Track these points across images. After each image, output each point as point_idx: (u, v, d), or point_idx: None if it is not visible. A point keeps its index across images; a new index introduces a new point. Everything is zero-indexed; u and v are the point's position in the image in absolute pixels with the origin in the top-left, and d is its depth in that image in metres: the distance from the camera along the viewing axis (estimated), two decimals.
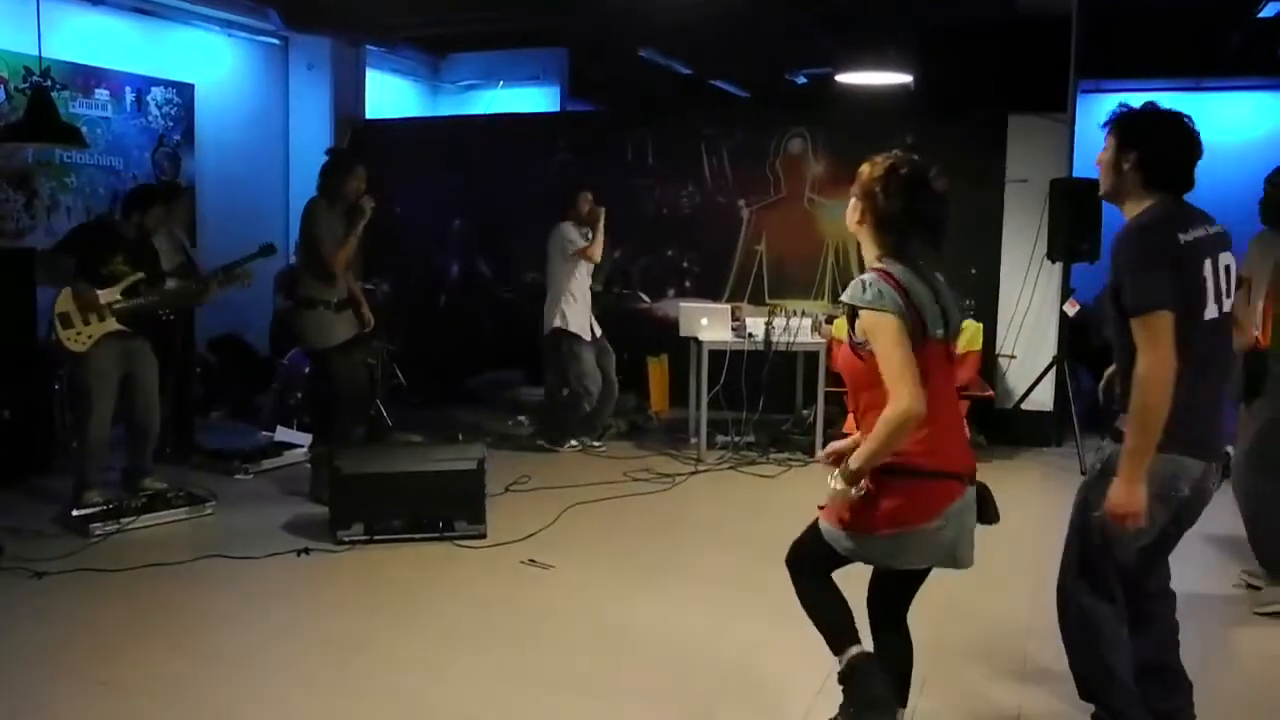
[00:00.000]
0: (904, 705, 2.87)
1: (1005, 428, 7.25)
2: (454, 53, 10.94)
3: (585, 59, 10.90)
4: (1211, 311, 2.68)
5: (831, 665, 2.81)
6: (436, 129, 9.54)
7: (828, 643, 2.79)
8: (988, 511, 2.70)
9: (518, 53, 10.62)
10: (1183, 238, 2.64)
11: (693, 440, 7.13)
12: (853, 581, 2.82)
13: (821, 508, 2.76)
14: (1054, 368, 7.24)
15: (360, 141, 8.87)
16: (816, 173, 8.07)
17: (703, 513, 5.90)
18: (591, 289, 7.14)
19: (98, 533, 5.03)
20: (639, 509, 5.83)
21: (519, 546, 5.02)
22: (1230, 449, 4.30)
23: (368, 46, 9.40)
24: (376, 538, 5.00)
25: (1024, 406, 7.30)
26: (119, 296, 5.42)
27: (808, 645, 3.02)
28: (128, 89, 7.72)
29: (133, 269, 5.49)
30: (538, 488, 6.09)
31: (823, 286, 8.08)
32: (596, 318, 7.16)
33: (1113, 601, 2.82)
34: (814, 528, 2.79)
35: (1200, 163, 2.73)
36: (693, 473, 6.56)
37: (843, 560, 2.74)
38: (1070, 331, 7.38)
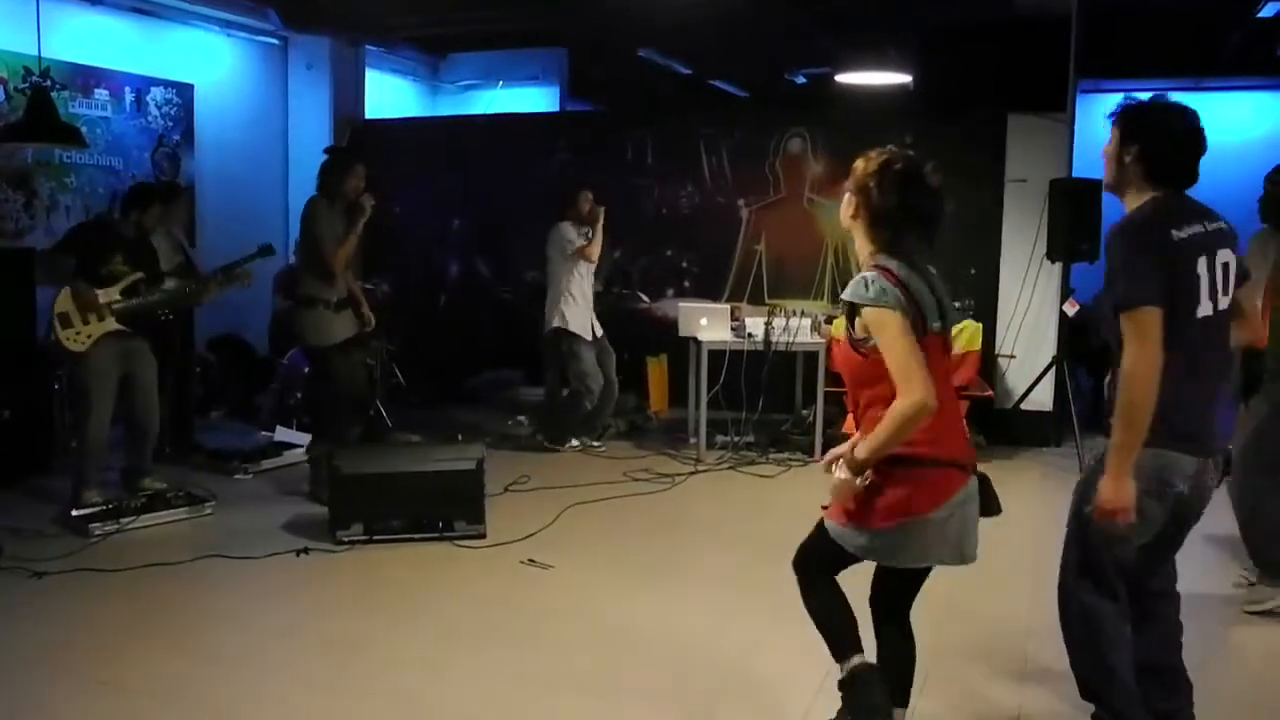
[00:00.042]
0: (905, 705, 2.86)
1: (1005, 428, 7.24)
2: (454, 53, 10.93)
3: (585, 59, 10.90)
4: (1205, 309, 2.66)
5: (831, 664, 2.80)
6: (436, 129, 9.53)
7: (830, 648, 2.79)
8: (990, 503, 2.70)
9: (517, 53, 10.63)
10: (1175, 234, 2.62)
11: (692, 440, 7.12)
12: (854, 582, 2.82)
13: (825, 508, 2.76)
14: (1053, 368, 7.24)
15: (360, 141, 8.87)
16: (816, 173, 8.07)
17: (702, 513, 5.90)
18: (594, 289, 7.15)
19: (97, 533, 5.03)
20: (639, 509, 5.83)
21: (518, 546, 5.02)
22: (1231, 447, 4.31)
23: (367, 46, 9.40)
24: (376, 538, 5.00)
25: (1023, 406, 7.30)
26: (118, 296, 5.42)
27: (807, 645, 3.02)
28: (127, 89, 7.72)
29: (131, 268, 5.49)
30: (537, 488, 6.09)
31: (822, 286, 8.08)
32: (598, 317, 7.17)
33: (1115, 599, 2.80)
34: (819, 529, 2.78)
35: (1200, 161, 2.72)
36: (692, 473, 6.56)
37: (849, 560, 2.72)
38: (1070, 331, 7.38)
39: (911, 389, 2.47)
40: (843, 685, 2.75)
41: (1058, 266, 7.34)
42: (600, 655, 3.84)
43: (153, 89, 7.94)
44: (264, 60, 9.05)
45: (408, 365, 8.23)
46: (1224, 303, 2.72)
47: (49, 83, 6.25)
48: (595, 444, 7.19)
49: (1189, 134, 2.68)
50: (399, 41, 9.86)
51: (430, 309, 9.07)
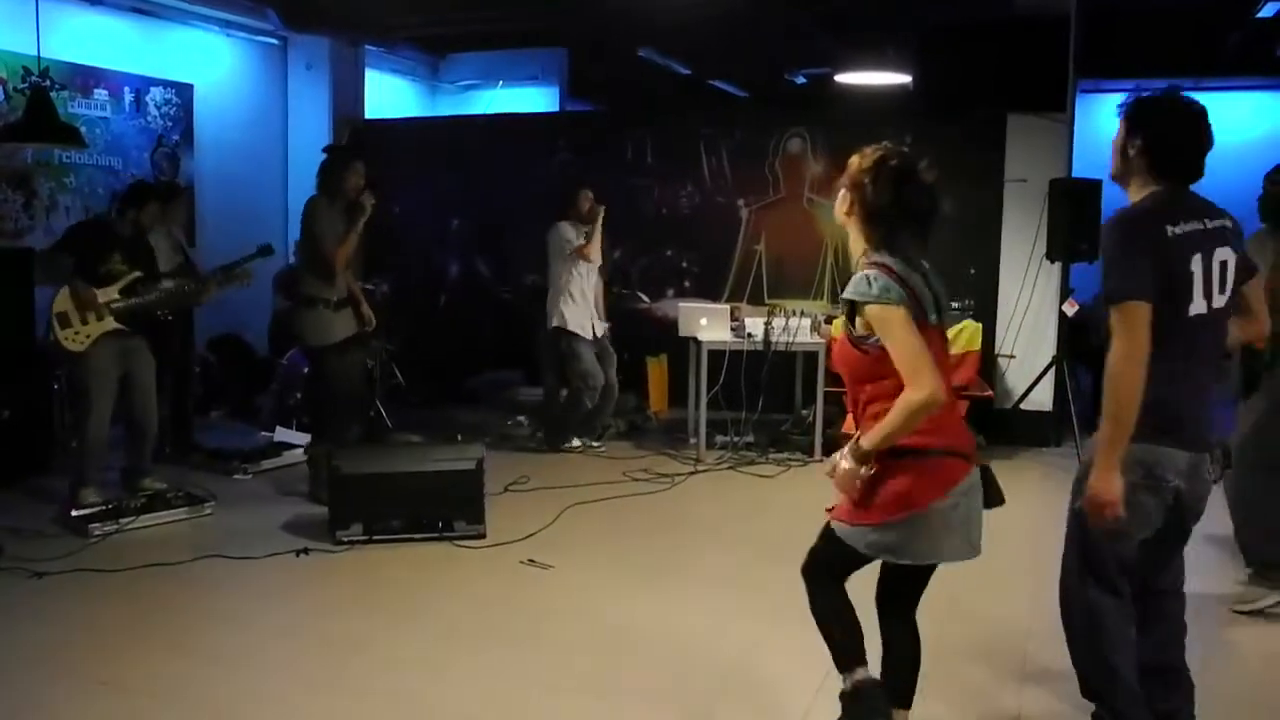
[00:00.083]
0: (908, 706, 2.84)
1: (1004, 428, 7.24)
2: (454, 53, 10.94)
3: (585, 59, 10.90)
4: (1199, 307, 2.63)
5: (832, 664, 2.80)
6: (436, 129, 9.53)
7: (834, 658, 2.77)
8: (992, 494, 2.70)
9: (517, 53, 10.63)
10: (1171, 230, 2.60)
11: (692, 440, 7.12)
12: (856, 581, 2.82)
13: (830, 510, 2.75)
14: (1053, 368, 7.24)
15: (359, 141, 8.86)
16: (816, 173, 8.06)
17: (702, 513, 5.90)
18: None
19: (97, 533, 5.02)
20: (639, 509, 5.82)
21: (518, 546, 5.01)
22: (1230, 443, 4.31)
23: (367, 46, 9.40)
24: (375, 538, 4.99)
25: (1023, 406, 7.30)
26: (117, 295, 5.42)
27: (808, 645, 3.02)
28: (126, 89, 7.72)
29: (129, 267, 5.49)
30: (537, 488, 6.09)
31: (822, 286, 8.08)
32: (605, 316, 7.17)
33: (1117, 596, 2.78)
34: (826, 535, 2.76)
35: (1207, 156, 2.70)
36: (692, 473, 6.56)
37: (860, 563, 2.70)
38: (1069, 331, 7.38)
39: (922, 382, 2.47)
40: (844, 697, 2.73)
41: (1057, 266, 7.34)
42: (600, 655, 3.84)
43: (152, 89, 7.94)
44: (264, 60, 9.05)
45: (408, 365, 8.23)
46: (1219, 301, 2.69)
47: (48, 83, 6.26)
48: (595, 444, 7.18)
49: (1194, 128, 2.66)
50: (399, 41, 9.86)
51: (430, 309, 9.07)
